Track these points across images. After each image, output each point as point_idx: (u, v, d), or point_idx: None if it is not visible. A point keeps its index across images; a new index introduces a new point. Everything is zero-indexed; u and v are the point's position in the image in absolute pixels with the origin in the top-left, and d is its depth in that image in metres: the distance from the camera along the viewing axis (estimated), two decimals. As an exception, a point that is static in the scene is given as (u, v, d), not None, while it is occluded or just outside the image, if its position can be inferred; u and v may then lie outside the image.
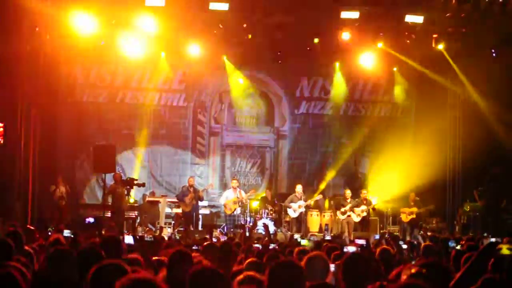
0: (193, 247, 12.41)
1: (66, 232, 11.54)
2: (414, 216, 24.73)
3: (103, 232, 17.63)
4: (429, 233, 23.31)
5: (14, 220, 17.64)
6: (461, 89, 26.77)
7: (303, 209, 25.11)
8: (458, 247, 11.55)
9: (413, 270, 6.14)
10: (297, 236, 20.57)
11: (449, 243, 11.39)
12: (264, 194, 26.44)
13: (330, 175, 28.17)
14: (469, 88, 26.12)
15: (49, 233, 17.26)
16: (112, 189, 23.18)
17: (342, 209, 24.73)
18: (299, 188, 25.48)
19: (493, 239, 15.67)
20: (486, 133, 24.93)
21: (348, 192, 25.23)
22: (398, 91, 28.75)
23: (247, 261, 8.16)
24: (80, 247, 8.62)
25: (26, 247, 8.99)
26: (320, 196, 26.05)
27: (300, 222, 25.28)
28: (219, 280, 5.44)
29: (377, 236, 19.24)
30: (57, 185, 24.49)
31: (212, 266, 5.93)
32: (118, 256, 7.68)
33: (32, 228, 13.83)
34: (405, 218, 24.98)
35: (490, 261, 7.69)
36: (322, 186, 27.50)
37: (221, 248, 9.69)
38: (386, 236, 15.23)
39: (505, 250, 7.45)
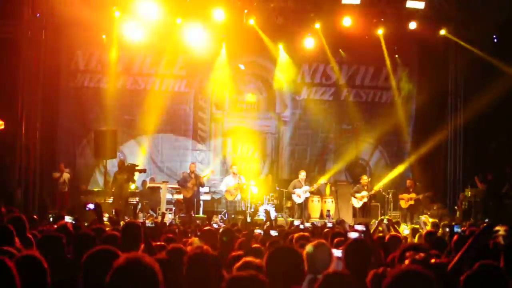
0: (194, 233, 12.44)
1: (67, 218, 11.54)
2: (412, 202, 24.73)
3: (105, 218, 17.67)
4: (431, 220, 23.38)
5: (15, 206, 17.62)
6: (461, 76, 26.78)
7: (308, 194, 25.17)
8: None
9: (418, 256, 6.14)
10: (297, 222, 20.59)
11: (455, 228, 11.38)
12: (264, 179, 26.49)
13: (335, 168, 28.19)
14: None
15: (50, 219, 17.30)
16: (115, 175, 23.23)
17: (358, 195, 24.77)
18: (303, 174, 25.48)
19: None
20: (488, 118, 24.96)
21: (365, 178, 25.21)
22: (399, 77, 28.72)
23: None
24: (79, 232, 8.64)
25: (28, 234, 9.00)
26: (325, 180, 26.12)
27: (303, 208, 25.35)
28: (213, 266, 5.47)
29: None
30: (61, 172, 24.57)
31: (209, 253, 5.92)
32: (137, 243, 7.70)
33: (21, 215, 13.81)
34: (404, 204, 24.99)
35: (487, 243, 7.71)
36: (326, 176, 27.31)
37: (222, 233, 9.70)
38: (385, 221, 15.19)
39: (502, 232, 7.44)
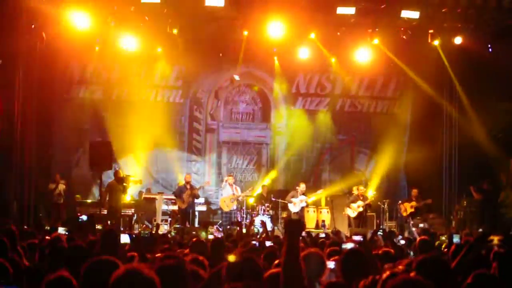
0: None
1: (61, 230, 11.53)
2: (413, 210, 24.77)
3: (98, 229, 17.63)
4: (419, 226, 23.55)
5: (9, 218, 17.58)
6: (456, 85, 26.78)
7: (304, 204, 25.14)
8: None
9: (397, 269, 6.11)
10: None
11: (453, 238, 11.39)
12: (260, 191, 26.43)
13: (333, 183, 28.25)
14: (461, 88, 26.24)
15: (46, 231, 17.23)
16: (111, 186, 23.02)
17: (353, 205, 24.73)
18: (302, 186, 25.42)
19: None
20: (482, 127, 24.98)
21: (361, 188, 25.25)
22: (394, 87, 28.74)
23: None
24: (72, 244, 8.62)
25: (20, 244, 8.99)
26: (322, 192, 26.09)
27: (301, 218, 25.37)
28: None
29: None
30: (56, 183, 24.50)
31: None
32: (115, 250, 7.70)
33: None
34: (404, 213, 25.04)
35: (482, 251, 7.70)
36: (324, 191, 27.23)
37: (212, 244, 9.70)
38: (379, 232, 15.19)
39: (496, 241, 7.45)
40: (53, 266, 7.67)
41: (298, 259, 5.26)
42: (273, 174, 28.19)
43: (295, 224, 5.45)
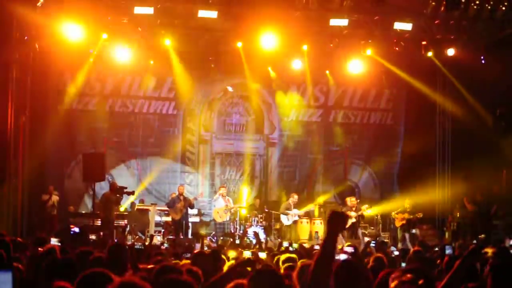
0: (184, 255, 12.37)
1: (53, 241, 11.47)
2: (404, 222, 24.75)
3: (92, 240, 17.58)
4: (410, 232, 23.58)
5: (3, 230, 17.50)
6: (449, 97, 26.85)
7: (296, 218, 25.15)
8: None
9: (405, 277, 6.11)
10: (286, 244, 20.50)
11: (446, 249, 11.35)
12: (252, 202, 26.50)
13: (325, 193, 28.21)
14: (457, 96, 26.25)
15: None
16: (106, 197, 22.90)
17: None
18: (295, 197, 25.47)
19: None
20: (475, 138, 25.00)
21: (353, 199, 25.13)
22: (387, 98, 28.78)
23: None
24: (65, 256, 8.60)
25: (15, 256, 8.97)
26: (315, 206, 26.06)
27: (292, 229, 25.34)
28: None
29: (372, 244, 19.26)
30: (50, 194, 24.42)
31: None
32: (124, 265, 7.68)
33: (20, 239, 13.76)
34: (397, 223, 25.05)
35: (476, 264, 7.70)
36: (316, 202, 27.27)
37: (210, 255, 9.68)
38: (371, 244, 15.19)
39: (490, 253, 7.45)
40: (48, 278, 7.66)
41: (332, 257, 5.29)
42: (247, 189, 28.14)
43: (339, 218, 5.43)
